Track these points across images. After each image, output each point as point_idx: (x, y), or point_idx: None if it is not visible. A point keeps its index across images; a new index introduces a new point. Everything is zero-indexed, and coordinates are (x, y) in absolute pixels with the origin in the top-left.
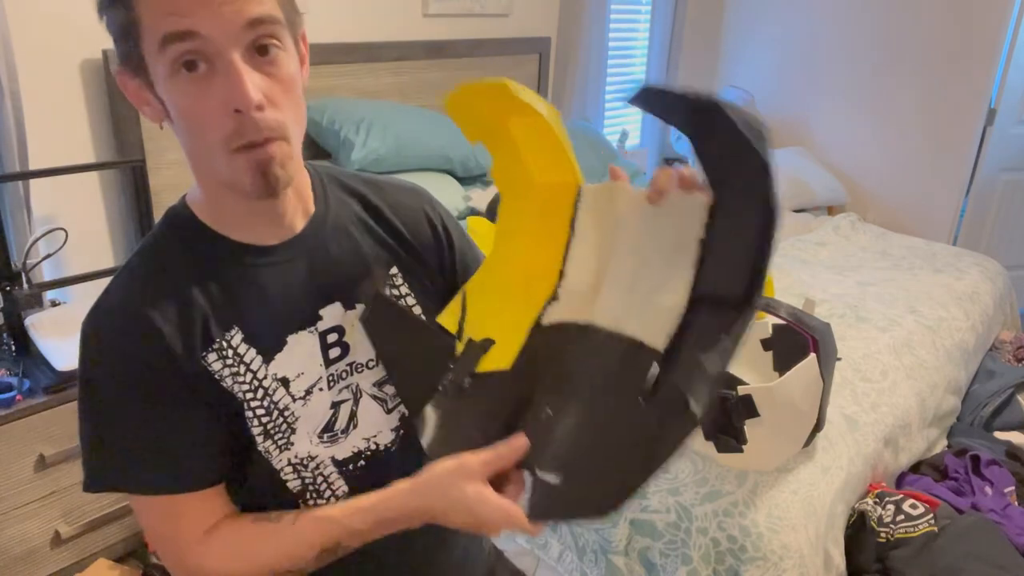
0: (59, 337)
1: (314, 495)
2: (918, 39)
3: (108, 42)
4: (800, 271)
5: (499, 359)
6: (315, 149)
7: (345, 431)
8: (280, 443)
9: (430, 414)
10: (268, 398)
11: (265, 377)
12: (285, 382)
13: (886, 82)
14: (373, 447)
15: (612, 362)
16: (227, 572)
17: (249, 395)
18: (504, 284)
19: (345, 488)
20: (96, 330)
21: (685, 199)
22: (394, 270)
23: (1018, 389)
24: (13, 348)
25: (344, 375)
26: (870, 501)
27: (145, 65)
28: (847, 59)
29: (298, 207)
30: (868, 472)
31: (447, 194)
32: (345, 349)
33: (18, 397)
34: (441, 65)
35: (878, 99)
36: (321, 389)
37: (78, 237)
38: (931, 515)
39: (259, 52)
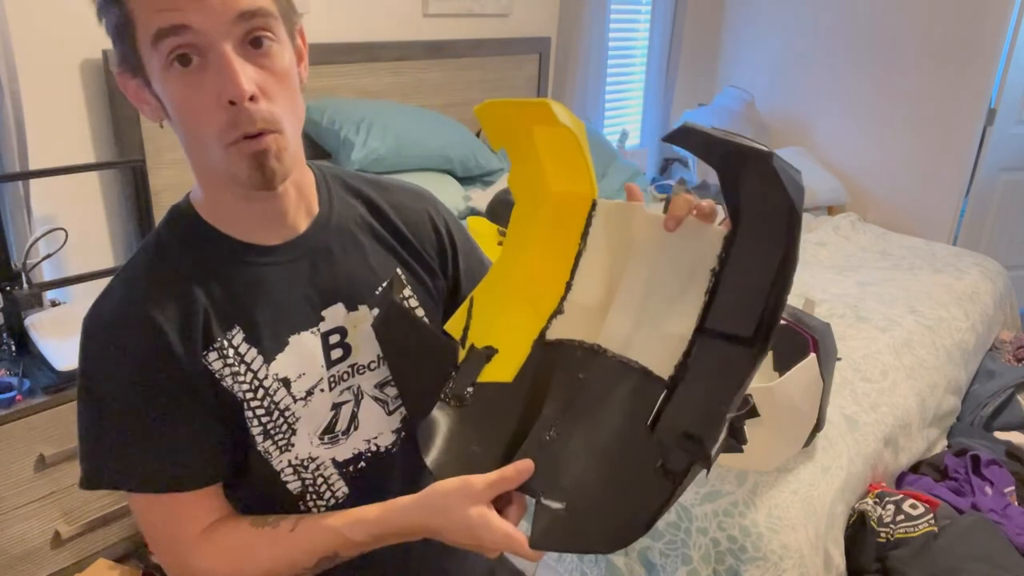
0: (59, 337)
1: (314, 496)
2: (918, 39)
3: (108, 42)
4: (800, 271)
5: (501, 371)
6: (315, 149)
7: (346, 432)
8: (280, 444)
9: (432, 424)
10: (269, 398)
11: (266, 377)
12: (286, 382)
13: (886, 82)
14: (374, 449)
15: (619, 389)
16: (223, 574)
17: (249, 395)
18: (510, 291)
19: (345, 489)
20: (97, 327)
21: (701, 228)
22: (398, 272)
23: (1018, 389)
24: (13, 348)
25: (345, 376)
26: (870, 501)
27: (142, 64)
28: (847, 59)
29: (301, 207)
30: (868, 472)
31: (447, 194)
32: (347, 350)
33: (18, 397)
34: (441, 65)
35: (878, 99)
36: (322, 390)
37: (78, 237)
38: (931, 515)
39: (252, 44)
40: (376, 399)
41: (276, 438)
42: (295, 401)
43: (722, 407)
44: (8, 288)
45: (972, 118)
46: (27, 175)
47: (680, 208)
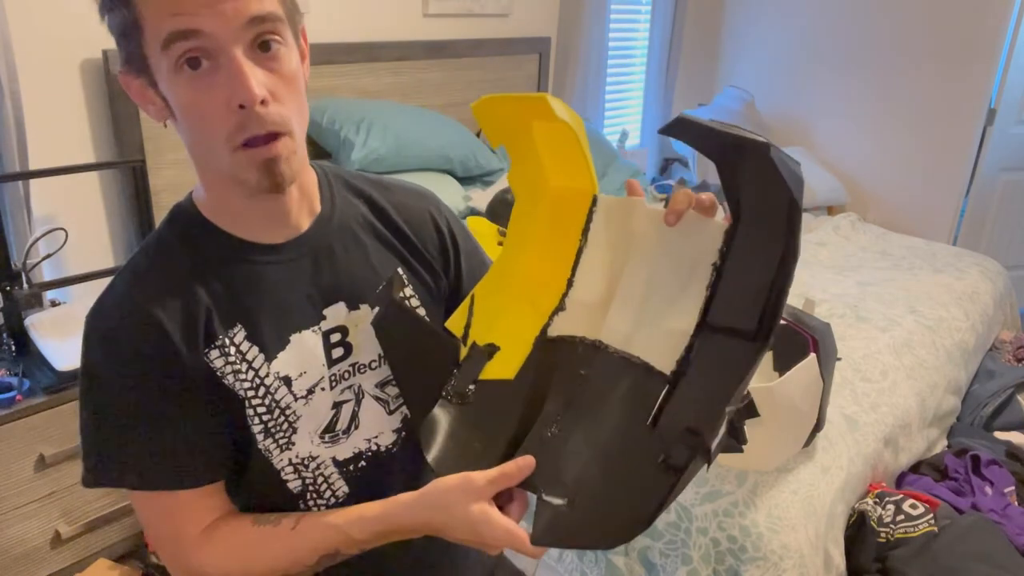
0: (59, 337)
1: (314, 495)
2: (918, 39)
3: (108, 42)
4: (800, 271)
5: (503, 368)
6: (315, 149)
7: (346, 432)
8: (281, 442)
9: (433, 422)
10: (270, 396)
11: (267, 375)
12: (287, 381)
13: (886, 82)
14: (374, 448)
15: (621, 385)
16: (225, 573)
17: (250, 393)
18: (511, 288)
19: (346, 489)
20: (99, 325)
21: (702, 222)
22: (399, 271)
23: (1018, 389)
24: (13, 348)
25: (346, 375)
26: (870, 501)
27: (148, 64)
28: (847, 59)
29: (304, 206)
30: (868, 472)
31: (447, 194)
32: (348, 349)
33: (18, 397)
34: (441, 65)
35: (878, 99)
36: (323, 389)
37: (78, 237)
38: (931, 515)
39: (261, 48)
40: (377, 398)
41: (277, 436)
42: (296, 400)
43: (723, 401)
44: (8, 288)
45: (972, 118)
46: (27, 175)
47: (680, 202)
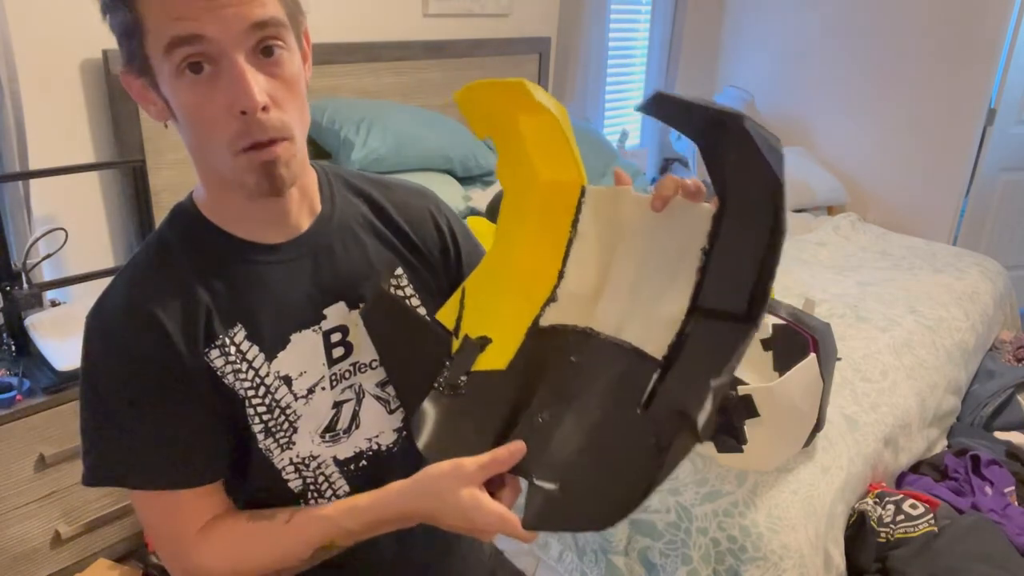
0: (59, 337)
1: (315, 495)
2: (918, 39)
3: (108, 42)
4: (800, 271)
5: (495, 359)
6: (315, 149)
7: (347, 431)
8: (282, 442)
9: (425, 413)
10: (270, 396)
11: (267, 375)
12: (287, 380)
13: (886, 82)
14: (375, 447)
15: (612, 370)
16: (223, 569)
17: (251, 392)
18: (503, 281)
19: (347, 488)
20: (99, 325)
21: (689, 207)
22: (399, 271)
23: (1018, 389)
24: (13, 348)
25: (347, 375)
26: (870, 501)
27: (150, 65)
28: (847, 59)
29: (304, 206)
30: (868, 472)
31: (447, 194)
32: (348, 349)
33: (18, 397)
34: (441, 65)
35: (878, 99)
36: (323, 388)
37: (78, 237)
38: (931, 515)
39: (263, 53)
40: (377, 398)
41: (277, 436)
42: (296, 399)
43: (721, 390)
44: (8, 288)
45: (972, 118)
46: (27, 175)
47: (667, 188)
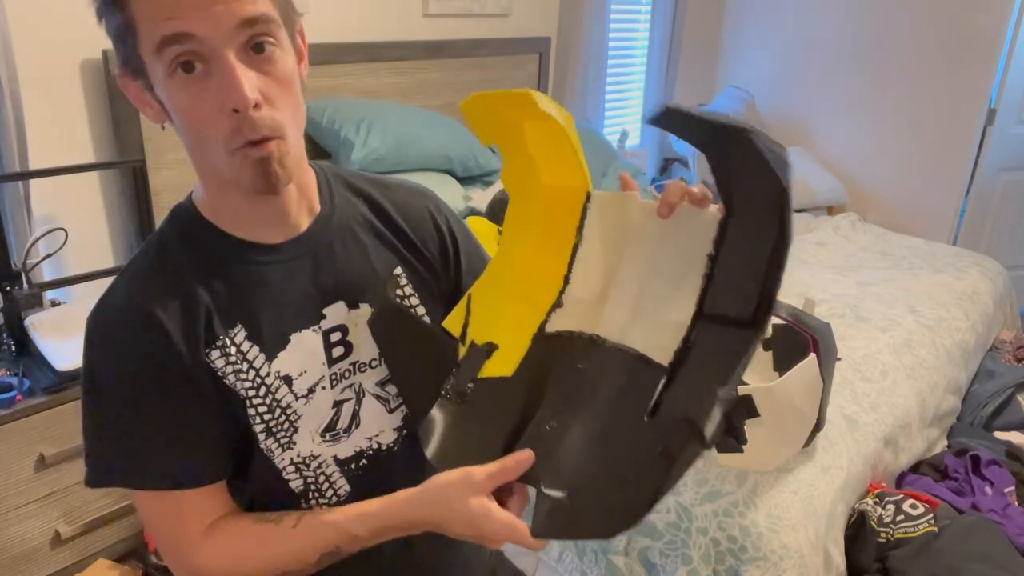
0: (59, 337)
1: (316, 494)
2: (918, 39)
3: (108, 42)
4: (800, 271)
5: (501, 365)
6: (315, 149)
7: (347, 430)
8: (283, 441)
9: (433, 420)
10: (271, 396)
11: (268, 375)
12: (288, 380)
13: (886, 82)
14: (375, 447)
15: (619, 377)
16: (225, 570)
17: (251, 392)
18: (508, 287)
19: (347, 487)
20: (100, 325)
21: (696, 214)
22: (398, 270)
23: (1018, 389)
24: (13, 348)
25: (347, 374)
26: (870, 501)
27: (144, 67)
28: (847, 59)
29: (303, 206)
30: (868, 472)
31: (447, 194)
32: (348, 348)
33: (18, 397)
34: (441, 65)
35: (878, 99)
36: (323, 388)
37: (78, 237)
38: (931, 515)
39: (255, 50)
40: (377, 397)
41: (278, 436)
42: (297, 399)
43: (727, 398)
44: (8, 288)
45: (972, 118)
46: (27, 175)
47: (673, 194)
